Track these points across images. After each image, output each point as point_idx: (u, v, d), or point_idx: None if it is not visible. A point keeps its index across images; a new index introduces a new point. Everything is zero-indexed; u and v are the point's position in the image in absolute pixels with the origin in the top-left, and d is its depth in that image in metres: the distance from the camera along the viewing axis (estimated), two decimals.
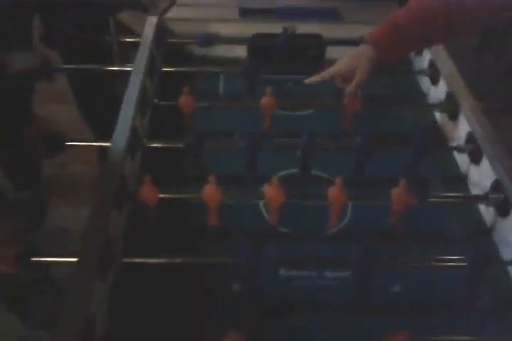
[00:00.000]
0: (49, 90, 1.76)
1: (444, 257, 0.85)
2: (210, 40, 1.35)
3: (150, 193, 0.88)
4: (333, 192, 0.90)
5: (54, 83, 1.36)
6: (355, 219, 0.99)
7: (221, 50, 1.40)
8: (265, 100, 1.11)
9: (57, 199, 1.85)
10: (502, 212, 0.92)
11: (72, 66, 1.37)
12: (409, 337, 0.72)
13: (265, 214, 0.97)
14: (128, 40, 1.38)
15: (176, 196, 0.92)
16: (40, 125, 1.02)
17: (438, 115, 1.21)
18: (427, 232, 0.97)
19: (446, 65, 1.23)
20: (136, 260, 0.82)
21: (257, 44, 1.39)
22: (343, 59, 1.04)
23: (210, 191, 0.89)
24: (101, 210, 0.84)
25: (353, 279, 0.83)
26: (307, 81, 1.08)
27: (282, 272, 0.88)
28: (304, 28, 1.38)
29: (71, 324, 0.67)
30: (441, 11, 0.94)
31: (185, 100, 1.10)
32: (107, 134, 0.98)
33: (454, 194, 1.00)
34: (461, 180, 1.06)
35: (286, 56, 1.35)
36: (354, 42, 1.34)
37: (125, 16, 1.49)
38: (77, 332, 0.67)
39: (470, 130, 1.05)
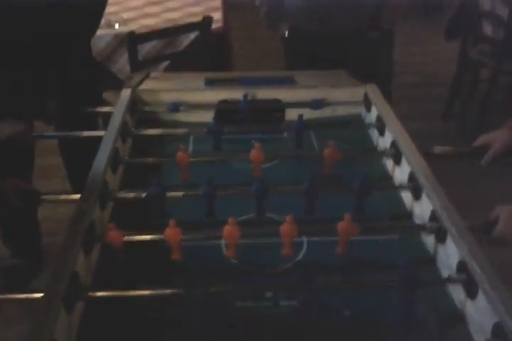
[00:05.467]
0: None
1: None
2: (178, 107, 1.50)
3: (115, 236, 0.97)
4: (284, 227, 0.99)
5: None
6: (309, 253, 1.07)
7: (189, 117, 1.54)
8: (254, 153, 1.22)
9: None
10: (440, 238, 1.00)
11: (52, 134, 1.56)
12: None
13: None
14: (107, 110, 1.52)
15: (140, 238, 1.01)
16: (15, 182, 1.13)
17: (385, 160, 1.33)
18: (373, 262, 1.04)
19: (391, 119, 1.36)
20: (102, 294, 0.89)
21: (223, 108, 1.53)
22: None
23: (171, 232, 0.97)
24: (68, 251, 0.91)
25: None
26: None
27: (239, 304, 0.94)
28: (264, 93, 1.54)
29: None
30: None
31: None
32: None
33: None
34: (408, 215, 1.16)
35: (250, 119, 1.48)
36: (309, 105, 1.51)
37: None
38: None
39: (411, 170, 1.16)
